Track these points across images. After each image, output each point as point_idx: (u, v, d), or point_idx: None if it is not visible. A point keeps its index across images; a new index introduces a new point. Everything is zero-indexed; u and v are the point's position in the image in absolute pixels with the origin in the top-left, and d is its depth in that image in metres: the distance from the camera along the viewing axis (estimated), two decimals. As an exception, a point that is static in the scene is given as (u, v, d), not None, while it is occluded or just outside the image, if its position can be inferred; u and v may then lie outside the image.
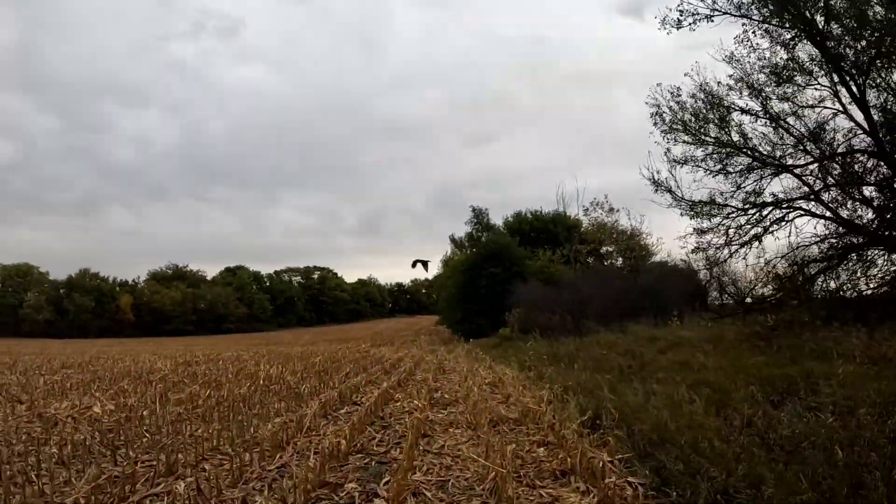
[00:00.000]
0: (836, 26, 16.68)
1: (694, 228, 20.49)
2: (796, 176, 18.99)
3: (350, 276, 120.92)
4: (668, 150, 19.57)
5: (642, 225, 38.31)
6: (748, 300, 26.67)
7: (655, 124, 20.12)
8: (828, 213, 17.99)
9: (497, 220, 50.72)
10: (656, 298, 26.56)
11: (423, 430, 7.88)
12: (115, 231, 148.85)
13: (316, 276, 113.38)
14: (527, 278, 32.82)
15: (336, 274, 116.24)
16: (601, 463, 5.99)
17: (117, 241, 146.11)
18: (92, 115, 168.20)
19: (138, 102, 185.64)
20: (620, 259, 40.05)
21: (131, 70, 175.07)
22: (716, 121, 19.21)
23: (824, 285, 19.76)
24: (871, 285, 17.17)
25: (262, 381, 12.83)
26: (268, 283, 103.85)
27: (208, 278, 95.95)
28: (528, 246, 40.95)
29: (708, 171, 19.06)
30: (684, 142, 19.40)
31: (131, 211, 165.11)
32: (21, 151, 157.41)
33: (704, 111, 19.38)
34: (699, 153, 19.67)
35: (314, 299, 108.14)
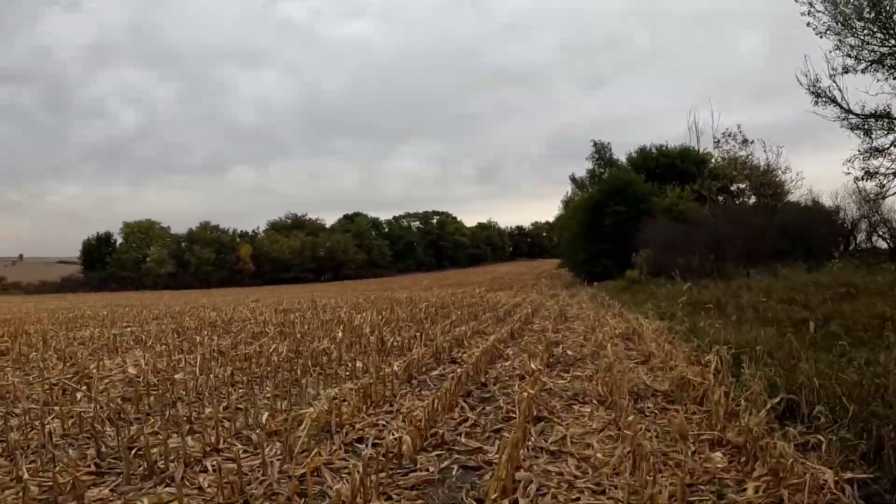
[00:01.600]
0: None
1: (866, 149, 16.73)
2: None
3: (470, 221, 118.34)
4: (841, 41, 15.84)
5: (779, 158, 33.56)
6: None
7: (809, 24, 16.40)
8: None
9: (620, 156, 46.78)
10: (800, 239, 22.85)
11: (538, 409, 5.45)
12: (239, 188, 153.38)
13: (435, 221, 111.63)
14: (654, 216, 29.48)
15: (455, 218, 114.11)
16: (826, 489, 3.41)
17: (241, 198, 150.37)
18: (212, 81, 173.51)
19: (255, 65, 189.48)
20: (753, 197, 35.67)
21: (246, 34, 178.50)
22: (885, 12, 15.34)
23: None
24: None
25: (342, 334, 10.70)
26: (386, 229, 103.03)
27: (327, 226, 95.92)
28: (655, 182, 37.18)
29: (892, 70, 15.24)
30: (851, 39, 15.62)
31: (253, 169, 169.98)
32: (147, 120, 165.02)
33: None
34: (870, 54, 15.89)
35: (433, 244, 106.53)
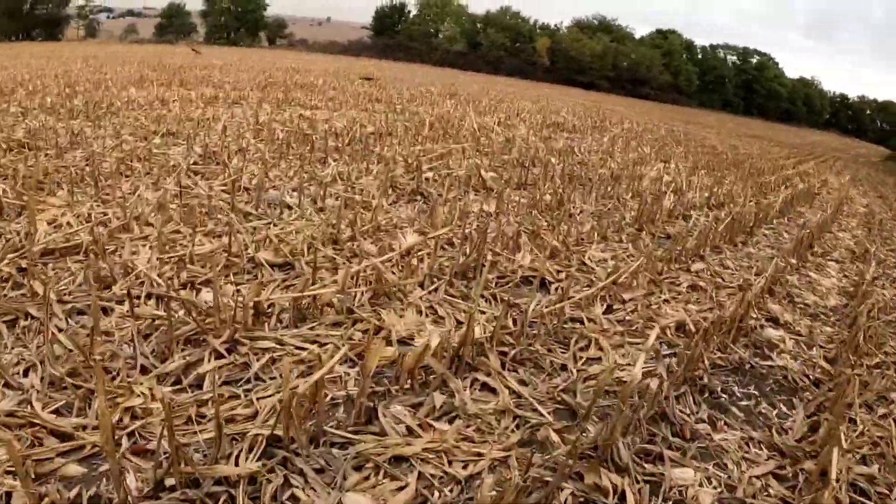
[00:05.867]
0: None
1: None
2: None
3: (790, 72, 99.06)
4: None
5: None
6: None
7: None
8: None
9: None
10: None
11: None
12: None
13: (754, 61, 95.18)
14: None
15: (777, 64, 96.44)
16: None
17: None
18: None
19: None
20: None
21: None
22: None
23: None
24: None
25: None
26: (699, 56, 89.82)
27: (636, 37, 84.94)
28: None
29: None
30: None
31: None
32: None
33: None
34: None
35: (747, 85, 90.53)
